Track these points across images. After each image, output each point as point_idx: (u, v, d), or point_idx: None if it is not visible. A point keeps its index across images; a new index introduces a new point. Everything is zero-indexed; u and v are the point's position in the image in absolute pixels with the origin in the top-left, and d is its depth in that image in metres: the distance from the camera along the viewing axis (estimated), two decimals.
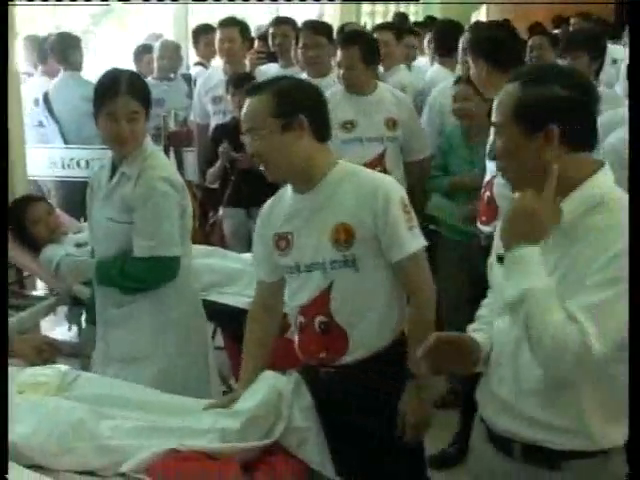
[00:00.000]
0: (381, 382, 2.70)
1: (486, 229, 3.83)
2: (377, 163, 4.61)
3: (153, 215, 3.15)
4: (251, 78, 5.24)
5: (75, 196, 5.34)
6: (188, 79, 6.76)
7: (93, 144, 5.27)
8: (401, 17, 9.42)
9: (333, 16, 9.74)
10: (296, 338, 2.84)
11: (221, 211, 5.48)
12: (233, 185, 5.29)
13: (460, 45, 5.10)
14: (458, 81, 4.55)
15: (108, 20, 12.93)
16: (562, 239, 2.03)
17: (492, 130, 2.22)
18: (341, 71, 4.68)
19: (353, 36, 4.92)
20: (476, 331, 2.29)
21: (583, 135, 2.07)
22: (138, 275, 3.22)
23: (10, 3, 2.51)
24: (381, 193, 2.65)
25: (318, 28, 5.37)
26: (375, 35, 5.69)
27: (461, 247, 4.27)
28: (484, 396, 2.24)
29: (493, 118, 2.14)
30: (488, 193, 3.84)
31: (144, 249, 3.16)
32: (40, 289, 4.49)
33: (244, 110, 2.70)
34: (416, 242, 2.69)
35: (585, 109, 2.06)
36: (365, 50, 4.64)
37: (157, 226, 3.15)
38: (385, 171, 4.58)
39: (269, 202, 2.89)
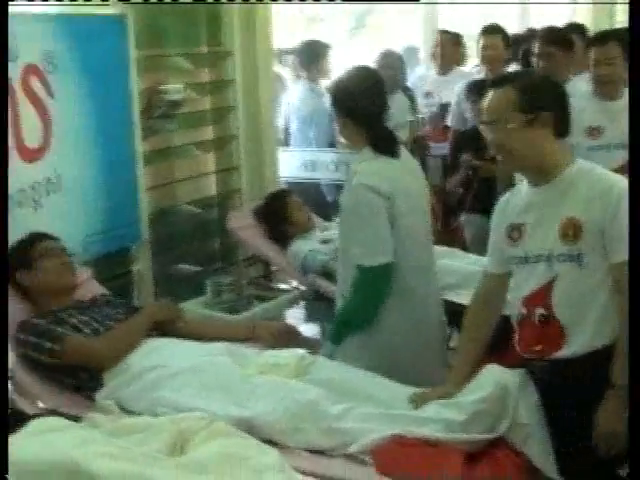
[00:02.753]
0: (594, 383, 2.64)
1: None
2: (624, 171, 4.46)
3: (356, 222, 3.22)
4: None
5: (321, 197, 5.59)
6: (409, 93, 6.60)
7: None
8: None
9: (585, 18, 9.54)
10: (516, 331, 2.85)
11: (463, 217, 5.53)
12: (475, 192, 5.35)
13: None
14: None
15: (362, 35, 13.30)
16: None
17: None
18: (599, 69, 4.39)
19: (612, 31, 4.75)
20: None
21: None
22: (356, 291, 3.26)
23: (11, 3, 2.67)
24: (616, 190, 2.63)
25: (548, 38, 5.19)
26: None
27: None
28: None
29: None
30: None
31: (354, 256, 3.23)
32: (289, 283, 4.69)
33: (488, 101, 2.73)
34: None
35: None
36: (624, 46, 4.26)
37: (360, 233, 3.21)
38: None
39: (506, 195, 2.94)
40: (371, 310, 3.27)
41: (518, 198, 2.85)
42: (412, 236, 3.33)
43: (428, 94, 6.30)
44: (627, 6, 9.09)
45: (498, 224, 2.91)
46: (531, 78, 2.81)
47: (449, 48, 6.53)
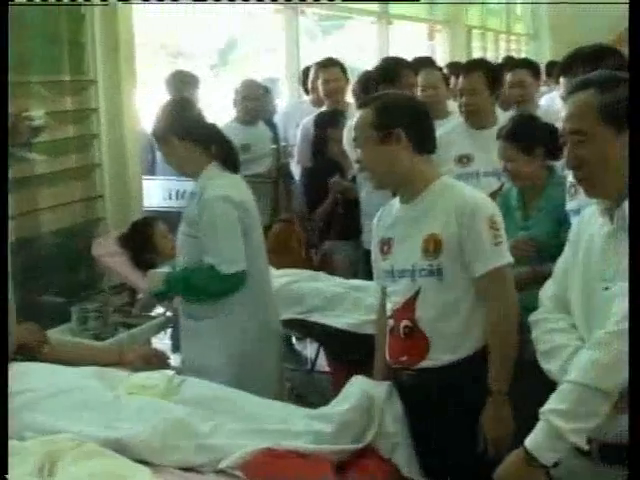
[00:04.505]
0: (459, 390, 2.76)
1: None
2: (494, 199, 4.12)
3: (212, 232, 3.39)
4: (339, 115, 5.43)
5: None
6: (271, 124, 6.61)
7: None
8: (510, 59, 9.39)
9: (442, 50, 9.99)
10: (387, 342, 2.94)
11: (326, 244, 5.59)
12: (339, 219, 5.45)
13: None
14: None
15: (226, 71, 13.40)
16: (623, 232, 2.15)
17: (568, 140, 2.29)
18: (463, 99, 4.48)
19: (477, 62, 4.88)
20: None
21: None
22: (200, 285, 3.47)
23: (10, 3, 2.70)
24: (469, 206, 2.76)
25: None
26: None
27: None
28: None
29: (572, 125, 2.22)
30: None
31: (209, 264, 3.39)
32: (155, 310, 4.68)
33: (354, 121, 2.89)
34: (499, 258, 2.75)
35: None
36: (489, 76, 4.47)
37: (216, 243, 3.38)
38: None
39: (381, 210, 3.05)
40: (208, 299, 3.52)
41: (389, 213, 2.96)
42: (259, 247, 3.59)
43: None
44: (481, 42, 9.44)
45: (374, 238, 3.01)
46: (387, 98, 2.93)
47: None
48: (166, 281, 3.57)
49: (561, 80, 3.31)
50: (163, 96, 6.31)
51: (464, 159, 4.45)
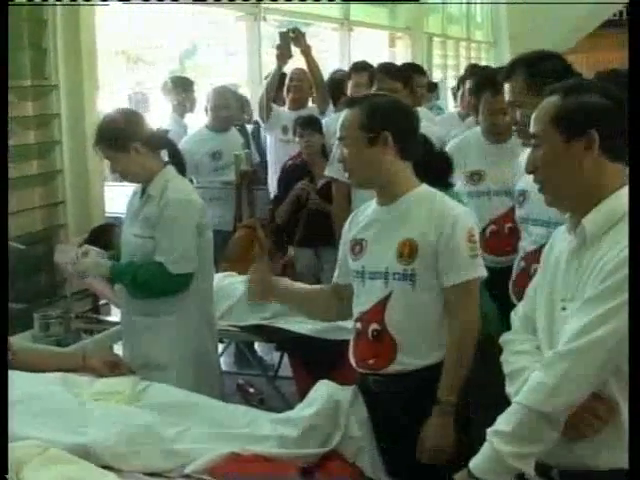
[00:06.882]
0: (425, 396, 2.77)
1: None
2: (506, 219, 3.98)
3: (168, 231, 3.48)
4: (317, 120, 5.49)
5: None
6: (243, 129, 6.60)
7: None
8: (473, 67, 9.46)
9: (403, 57, 10.06)
10: (351, 345, 2.95)
11: (291, 251, 5.65)
12: (302, 226, 5.50)
13: None
14: None
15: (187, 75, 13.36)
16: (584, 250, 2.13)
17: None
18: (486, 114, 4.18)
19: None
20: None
21: (620, 144, 2.11)
22: (145, 281, 3.54)
23: (10, 3, 2.70)
24: (451, 216, 2.77)
25: (394, 73, 5.07)
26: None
27: None
28: None
29: (531, 130, 2.21)
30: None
31: (158, 261, 3.49)
32: (114, 316, 4.65)
33: (341, 119, 2.89)
34: (474, 271, 2.77)
35: (622, 119, 2.10)
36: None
37: (170, 242, 3.48)
38: (517, 228, 3.70)
39: (355, 210, 3.07)
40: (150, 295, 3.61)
41: (364, 214, 2.96)
42: (210, 247, 3.69)
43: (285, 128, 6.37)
44: (442, 50, 9.51)
45: (344, 238, 3.02)
46: (377, 100, 2.93)
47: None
48: (112, 272, 3.65)
49: (506, 86, 3.30)
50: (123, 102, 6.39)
51: (475, 176, 4.20)
